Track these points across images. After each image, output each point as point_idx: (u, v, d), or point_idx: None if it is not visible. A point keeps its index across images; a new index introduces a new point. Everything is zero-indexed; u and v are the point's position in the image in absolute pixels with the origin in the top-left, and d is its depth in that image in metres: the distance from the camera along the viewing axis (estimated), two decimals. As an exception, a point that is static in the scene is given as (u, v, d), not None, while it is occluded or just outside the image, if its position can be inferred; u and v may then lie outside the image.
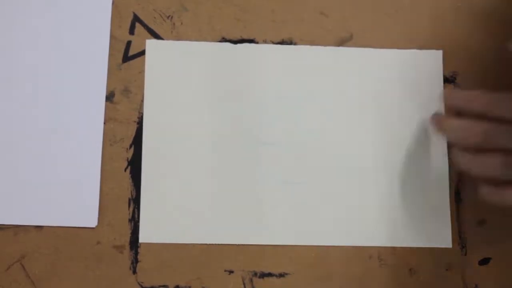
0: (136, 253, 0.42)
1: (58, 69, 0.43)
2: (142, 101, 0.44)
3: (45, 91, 0.43)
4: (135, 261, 0.42)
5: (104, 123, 0.43)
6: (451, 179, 0.44)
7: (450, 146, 0.41)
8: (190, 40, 0.44)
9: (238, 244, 0.42)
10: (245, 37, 0.45)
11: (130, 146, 0.43)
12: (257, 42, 0.45)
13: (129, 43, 0.44)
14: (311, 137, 0.44)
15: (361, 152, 0.44)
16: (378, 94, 0.44)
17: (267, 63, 0.44)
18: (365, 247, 0.43)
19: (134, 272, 0.42)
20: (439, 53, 0.45)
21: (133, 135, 0.43)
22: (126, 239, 0.42)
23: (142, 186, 0.42)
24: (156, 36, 0.44)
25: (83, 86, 0.43)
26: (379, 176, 0.43)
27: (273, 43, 0.45)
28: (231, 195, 0.43)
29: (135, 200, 0.42)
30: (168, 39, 0.44)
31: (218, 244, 0.42)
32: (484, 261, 0.43)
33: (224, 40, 0.45)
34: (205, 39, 0.44)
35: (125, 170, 0.43)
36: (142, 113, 0.43)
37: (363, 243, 0.43)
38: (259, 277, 0.42)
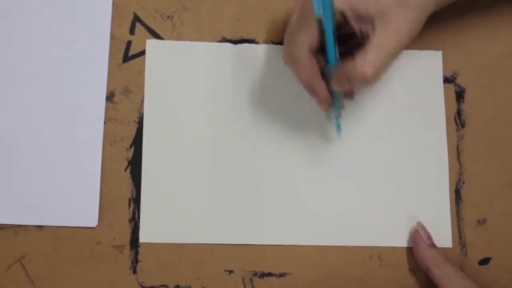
0: (136, 253, 0.42)
1: (59, 69, 0.43)
2: (142, 101, 0.44)
3: (46, 91, 0.43)
4: (135, 261, 0.42)
5: (104, 123, 0.43)
6: (451, 179, 0.44)
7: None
8: (190, 40, 0.44)
9: (238, 244, 0.42)
10: (245, 37, 0.45)
11: (130, 146, 0.43)
12: (257, 42, 0.45)
13: (129, 43, 0.44)
14: (311, 137, 0.44)
15: (360, 153, 0.44)
16: (377, 94, 0.44)
17: (267, 63, 0.44)
18: (365, 247, 0.43)
19: (134, 272, 0.42)
20: (439, 53, 0.45)
21: (133, 135, 0.43)
22: (126, 239, 0.42)
23: (142, 186, 0.42)
24: (156, 36, 0.44)
25: (83, 86, 0.43)
26: (379, 176, 0.43)
27: (273, 43, 0.45)
28: (231, 195, 0.43)
29: (135, 200, 0.42)
30: (168, 39, 0.44)
31: (218, 244, 0.42)
32: (484, 261, 0.43)
33: (224, 40, 0.45)
34: (205, 39, 0.44)
35: (125, 170, 0.43)
36: (142, 113, 0.43)
37: (363, 243, 0.43)
38: (259, 277, 0.42)
